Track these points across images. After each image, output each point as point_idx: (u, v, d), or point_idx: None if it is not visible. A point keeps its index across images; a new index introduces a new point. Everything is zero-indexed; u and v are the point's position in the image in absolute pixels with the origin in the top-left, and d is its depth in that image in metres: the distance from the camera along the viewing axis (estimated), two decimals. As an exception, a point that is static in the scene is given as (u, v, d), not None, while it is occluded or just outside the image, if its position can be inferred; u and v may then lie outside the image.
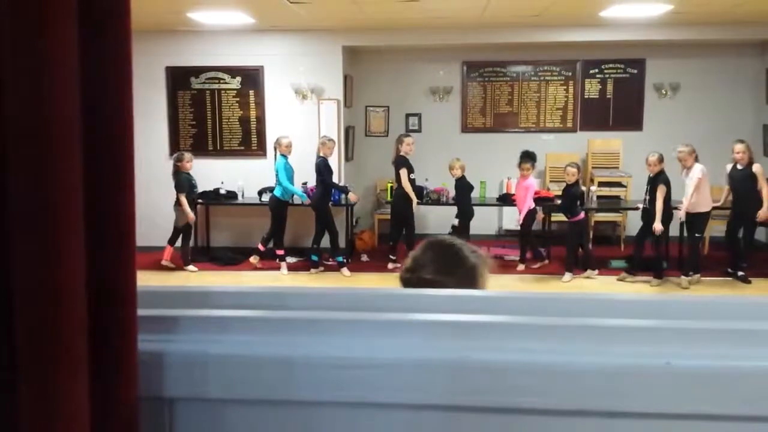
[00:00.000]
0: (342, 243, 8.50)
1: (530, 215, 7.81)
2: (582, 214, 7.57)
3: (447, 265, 1.62)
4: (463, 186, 7.99)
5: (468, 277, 1.61)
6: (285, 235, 7.97)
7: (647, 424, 0.82)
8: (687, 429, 0.82)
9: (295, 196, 7.90)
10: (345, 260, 7.92)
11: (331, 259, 8.07)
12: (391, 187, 8.20)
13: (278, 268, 7.92)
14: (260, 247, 7.91)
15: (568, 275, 7.52)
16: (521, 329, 0.86)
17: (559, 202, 7.90)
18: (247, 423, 0.87)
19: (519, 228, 8.11)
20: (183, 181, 7.69)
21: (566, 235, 7.75)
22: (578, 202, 7.50)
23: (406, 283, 1.62)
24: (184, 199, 7.68)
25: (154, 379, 0.84)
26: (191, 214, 7.74)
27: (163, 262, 7.87)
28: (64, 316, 0.71)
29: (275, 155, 7.79)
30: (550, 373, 0.82)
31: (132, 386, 0.78)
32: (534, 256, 8.03)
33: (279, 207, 7.79)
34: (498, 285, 7.28)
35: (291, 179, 7.74)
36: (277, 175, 7.71)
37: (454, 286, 1.55)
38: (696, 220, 7.14)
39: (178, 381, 0.85)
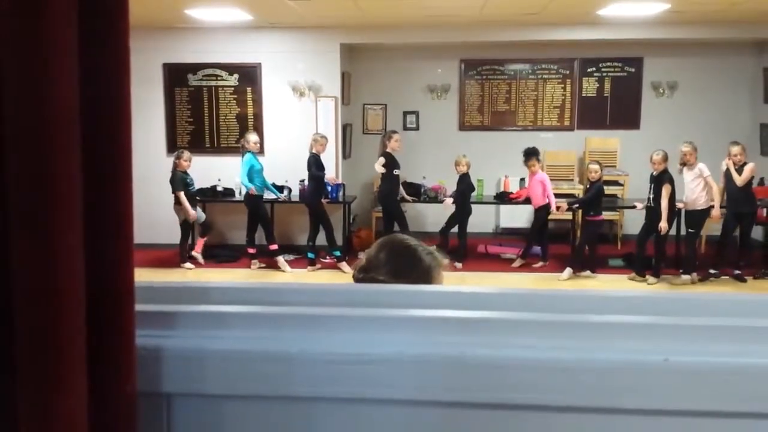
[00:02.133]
0: (339, 241, 8.50)
1: (545, 210, 7.78)
2: (602, 215, 7.57)
3: (401, 267, 1.58)
4: (465, 184, 7.99)
5: (421, 280, 1.57)
6: (277, 233, 8.01)
7: (645, 421, 0.82)
8: (685, 426, 0.82)
9: (270, 192, 8.05)
10: (343, 255, 7.90)
11: (328, 257, 8.05)
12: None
13: (276, 265, 7.91)
14: (250, 250, 7.92)
15: (568, 272, 7.50)
16: (519, 325, 0.86)
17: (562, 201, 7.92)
18: (244, 419, 0.87)
19: (532, 223, 8.06)
20: (177, 180, 7.70)
21: (582, 233, 7.73)
22: (601, 201, 7.50)
23: (359, 282, 1.58)
24: (183, 197, 7.69)
25: (152, 374, 0.84)
26: (192, 212, 7.76)
27: (194, 253, 8.01)
28: (62, 313, 0.71)
29: (243, 152, 7.81)
30: (549, 369, 0.82)
31: (130, 382, 0.78)
32: (541, 255, 7.98)
33: (252, 202, 7.81)
34: (496, 282, 7.32)
35: (259, 175, 7.78)
36: (240, 172, 7.76)
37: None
38: (694, 217, 7.17)
39: (176, 376, 0.85)
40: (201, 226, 8.11)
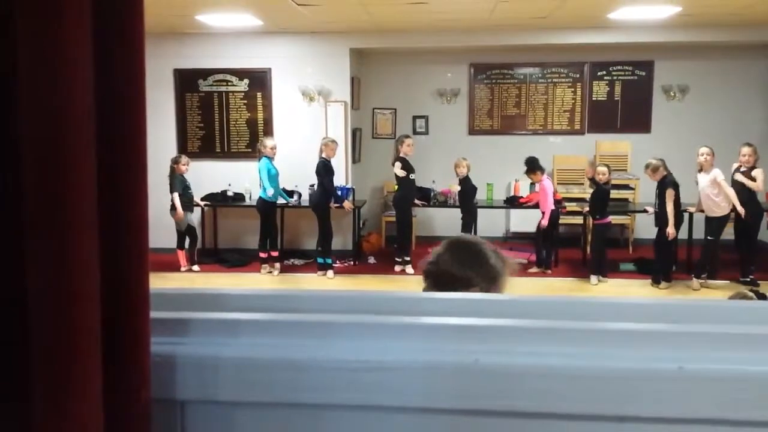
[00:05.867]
0: (349, 245, 8.49)
1: (552, 216, 7.76)
2: (609, 218, 7.54)
3: (467, 260, 1.65)
4: (466, 186, 7.98)
5: (488, 276, 1.63)
6: (286, 237, 7.98)
7: (659, 429, 0.82)
8: (700, 434, 0.81)
9: (281, 198, 7.98)
10: (330, 264, 7.82)
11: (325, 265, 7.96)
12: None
13: (286, 270, 7.92)
14: (262, 255, 7.93)
15: (594, 278, 7.47)
16: (531, 333, 0.86)
17: (567, 204, 7.89)
18: (257, 425, 0.87)
19: (540, 230, 8.04)
20: (177, 182, 7.72)
21: (592, 237, 7.70)
22: (606, 204, 7.48)
23: (429, 274, 1.66)
24: (176, 198, 7.68)
25: (166, 381, 0.84)
26: (180, 212, 7.71)
27: (183, 269, 7.91)
28: (77, 318, 0.71)
29: (259, 157, 7.81)
30: (561, 376, 0.81)
31: (144, 388, 0.78)
32: (545, 260, 7.97)
33: (266, 208, 7.82)
34: (507, 288, 7.29)
35: (274, 180, 7.74)
36: (260, 177, 7.73)
37: (475, 282, 1.59)
38: (712, 224, 7.10)
39: (190, 383, 0.85)
40: (189, 233, 8.01)
